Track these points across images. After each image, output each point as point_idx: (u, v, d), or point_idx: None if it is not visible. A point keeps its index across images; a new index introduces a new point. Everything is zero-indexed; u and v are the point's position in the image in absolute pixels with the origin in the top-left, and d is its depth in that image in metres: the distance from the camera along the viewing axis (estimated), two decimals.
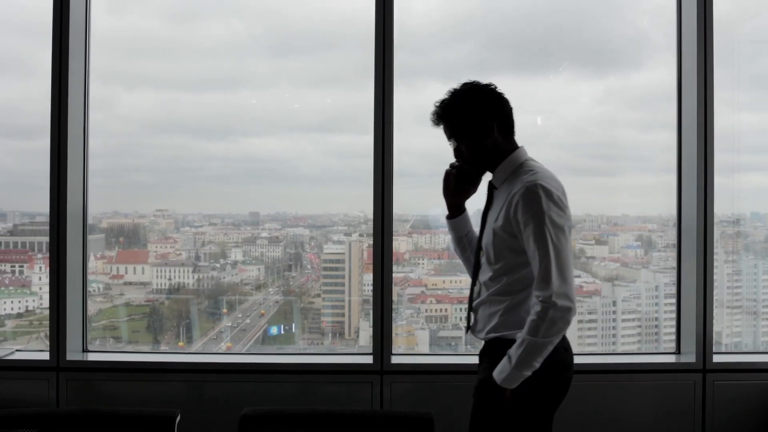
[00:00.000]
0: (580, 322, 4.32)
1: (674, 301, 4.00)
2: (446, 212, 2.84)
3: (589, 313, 4.33)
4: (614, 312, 4.31)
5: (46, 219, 4.45)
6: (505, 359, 2.37)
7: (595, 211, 4.59)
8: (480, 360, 2.68)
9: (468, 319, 2.71)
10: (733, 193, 4.15)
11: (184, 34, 4.15)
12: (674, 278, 3.98)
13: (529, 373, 2.34)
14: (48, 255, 4.35)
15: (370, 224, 4.18)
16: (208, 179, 4.29)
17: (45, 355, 3.72)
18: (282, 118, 4.13)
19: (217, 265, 4.52)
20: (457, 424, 2.83)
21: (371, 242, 4.30)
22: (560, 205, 2.37)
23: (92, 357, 3.85)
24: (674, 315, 4.00)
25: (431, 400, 3.54)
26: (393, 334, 3.77)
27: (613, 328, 4.29)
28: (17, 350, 3.90)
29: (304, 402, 3.57)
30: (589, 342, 4.31)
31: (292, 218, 4.64)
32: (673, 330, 3.97)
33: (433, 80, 3.61)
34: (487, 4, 4.16)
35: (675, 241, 3.98)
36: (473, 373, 3.61)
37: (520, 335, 2.35)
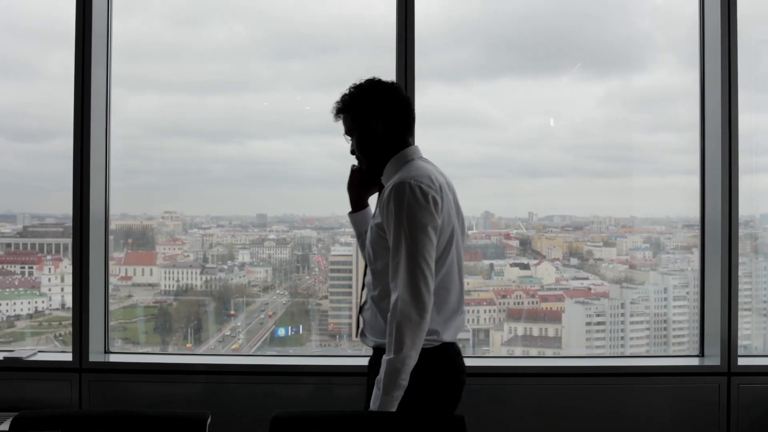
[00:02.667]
0: (588, 324, 4.30)
1: (683, 303, 3.97)
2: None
3: (598, 315, 4.30)
4: (622, 314, 4.28)
5: (55, 221, 4.50)
6: (375, 388, 2.31)
7: (602, 213, 4.56)
8: (369, 370, 2.59)
9: (357, 322, 2.66)
10: (744, 195, 4.12)
11: (188, 37, 4.18)
12: (684, 280, 3.96)
13: (400, 393, 2.27)
14: (56, 256, 4.40)
15: None
16: (214, 181, 4.31)
17: (68, 356, 3.72)
18: (287, 121, 4.15)
19: (225, 267, 4.52)
20: (482, 426, 2.83)
21: None
22: (425, 203, 2.29)
23: (114, 358, 3.85)
24: (683, 317, 3.97)
25: None
26: None
27: (622, 330, 4.26)
28: (39, 351, 3.91)
29: (323, 404, 3.56)
30: (597, 345, 4.28)
31: (299, 220, 4.64)
32: (682, 332, 3.95)
33: (437, 83, 3.59)
34: (488, 7, 4.16)
35: (684, 243, 3.95)
36: (498, 375, 3.63)
37: (384, 357, 2.29)
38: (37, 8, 4.21)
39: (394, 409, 2.28)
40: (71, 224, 3.69)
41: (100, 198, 3.79)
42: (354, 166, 2.70)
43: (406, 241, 2.26)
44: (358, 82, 2.54)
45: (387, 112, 2.50)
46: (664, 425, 3.64)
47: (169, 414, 2.85)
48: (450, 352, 2.47)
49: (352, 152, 2.60)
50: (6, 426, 3.25)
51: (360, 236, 2.77)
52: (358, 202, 2.77)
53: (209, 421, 2.78)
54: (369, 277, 2.52)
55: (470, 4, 4.16)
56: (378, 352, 2.46)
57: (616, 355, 4.26)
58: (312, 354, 4.25)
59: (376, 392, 2.30)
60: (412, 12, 3.58)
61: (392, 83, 2.56)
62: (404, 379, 2.25)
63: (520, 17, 4.12)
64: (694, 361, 3.84)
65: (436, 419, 2.40)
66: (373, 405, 2.31)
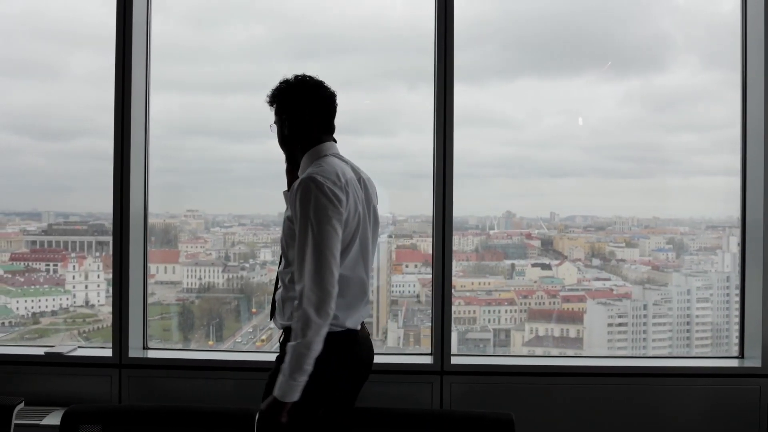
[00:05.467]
0: (610, 326, 4.26)
1: (707, 305, 3.93)
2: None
3: (620, 316, 4.27)
4: (645, 316, 4.24)
5: (80, 219, 4.55)
6: (280, 375, 2.41)
7: (625, 213, 4.52)
8: (280, 349, 2.72)
9: (271, 306, 2.80)
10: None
11: (208, 38, 4.22)
12: (707, 282, 3.91)
13: (304, 378, 2.37)
14: (81, 254, 4.46)
15: (399, 225, 4.20)
16: (236, 180, 4.34)
17: (107, 352, 3.78)
18: None
19: (247, 265, 4.55)
20: (524, 425, 2.83)
21: (399, 243, 4.31)
22: (330, 197, 2.43)
23: (152, 354, 3.90)
24: (707, 319, 3.92)
25: (491, 401, 3.55)
26: (421, 336, 3.74)
27: (644, 332, 4.22)
28: (79, 347, 3.98)
29: (363, 402, 3.56)
30: (619, 346, 4.24)
31: None
32: (706, 335, 3.91)
33: (456, 83, 3.60)
34: (507, 7, 4.16)
35: (708, 245, 3.91)
36: (537, 374, 3.63)
37: (288, 344, 2.40)
38: (59, 10, 4.27)
39: (297, 396, 2.38)
40: (97, 222, 3.75)
41: (140, 197, 3.87)
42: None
43: (312, 234, 2.40)
44: (288, 78, 2.71)
45: (304, 109, 2.66)
46: (701, 427, 3.61)
47: (218, 409, 2.89)
48: (349, 340, 2.63)
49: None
50: (52, 419, 3.33)
51: None
52: None
53: (258, 416, 2.82)
54: (282, 265, 2.70)
55: (488, 4, 4.16)
56: (287, 332, 2.61)
57: (652, 356, 4.23)
58: None
59: (281, 378, 2.40)
60: (451, 13, 3.60)
61: (318, 81, 2.70)
62: (309, 365, 2.36)
63: (538, 17, 4.11)
64: (734, 363, 3.80)
65: (328, 404, 2.59)
66: (279, 391, 2.40)
